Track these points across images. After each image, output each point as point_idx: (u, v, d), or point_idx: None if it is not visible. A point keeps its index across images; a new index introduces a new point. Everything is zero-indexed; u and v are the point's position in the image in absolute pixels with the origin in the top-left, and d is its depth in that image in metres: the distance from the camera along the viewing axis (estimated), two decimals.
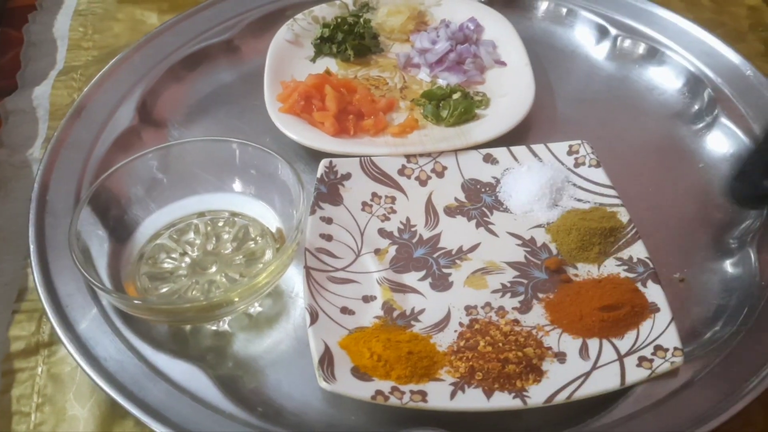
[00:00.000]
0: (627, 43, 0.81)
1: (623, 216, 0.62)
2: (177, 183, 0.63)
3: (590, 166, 0.66)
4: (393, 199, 0.65)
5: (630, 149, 0.71)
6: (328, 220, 0.62)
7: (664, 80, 0.78)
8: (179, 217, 0.62)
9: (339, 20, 0.81)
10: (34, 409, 0.55)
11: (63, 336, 0.55)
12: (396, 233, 0.63)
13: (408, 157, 0.68)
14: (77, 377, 0.56)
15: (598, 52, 0.82)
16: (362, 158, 0.67)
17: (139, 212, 0.61)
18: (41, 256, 0.60)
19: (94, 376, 0.53)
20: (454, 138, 0.70)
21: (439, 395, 0.51)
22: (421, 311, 0.57)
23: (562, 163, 0.67)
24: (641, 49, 0.80)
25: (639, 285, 0.57)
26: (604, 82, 0.79)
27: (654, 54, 0.79)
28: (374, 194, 0.65)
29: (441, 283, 0.59)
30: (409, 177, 0.67)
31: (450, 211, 0.65)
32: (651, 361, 0.52)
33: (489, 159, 0.68)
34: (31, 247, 0.61)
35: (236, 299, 0.54)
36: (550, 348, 0.54)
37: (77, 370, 0.56)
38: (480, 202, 0.65)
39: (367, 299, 0.58)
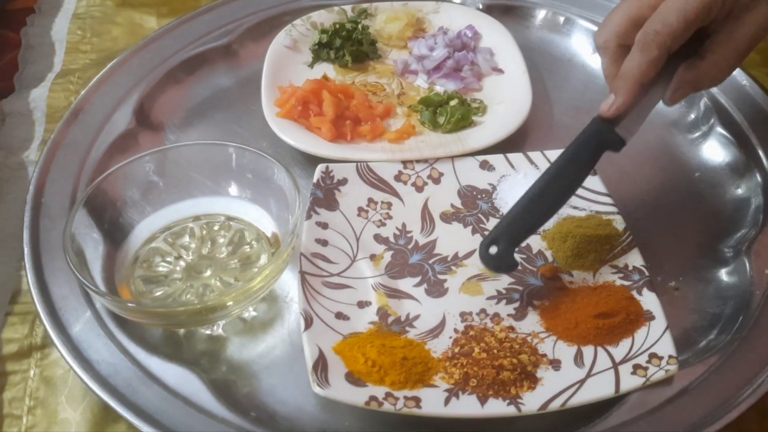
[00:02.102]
0: None
1: (619, 224, 0.62)
2: (173, 186, 0.63)
3: None
4: (389, 205, 0.65)
5: (626, 157, 0.70)
6: (324, 225, 0.62)
7: None
8: (175, 221, 0.62)
9: (337, 26, 0.81)
10: (25, 412, 0.54)
11: (56, 339, 0.55)
12: (392, 239, 0.63)
13: (404, 163, 0.68)
14: (70, 380, 0.56)
15: (594, 60, 0.82)
16: (359, 164, 0.67)
17: (134, 215, 0.61)
18: (35, 258, 0.60)
19: (87, 380, 0.53)
20: (450, 144, 0.70)
21: (433, 401, 0.51)
22: (416, 317, 0.57)
23: None
24: None
25: (634, 293, 0.57)
26: (601, 90, 0.78)
27: None
28: (370, 200, 0.65)
29: (436, 289, 0.59)
30: (405, 183, 0.67)
31: (446, 218, 0.65)
32: (646, 368, 0.52)
33: (485, 166, 0.68)
34: (26, 250, 0.60)
35: (230, 303, 0.54)
36: (544, 355, 0.54)
37: (70, 373, 0.56)
38: (476, 208, 0.65)
39: (362, 305, 0.58)
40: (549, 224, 0.63)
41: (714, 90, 0.74)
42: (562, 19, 0.85)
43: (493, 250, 0.56)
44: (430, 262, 0.61)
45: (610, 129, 0.57)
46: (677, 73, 0.56)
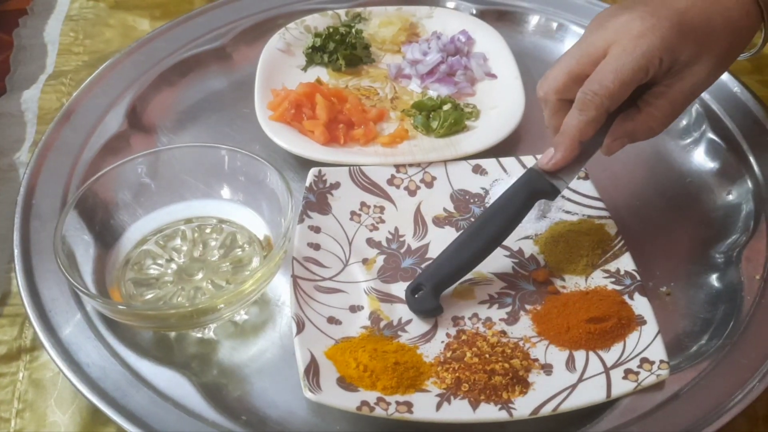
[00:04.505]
0: None
1: (611, 228, 0.62)
2: (165, 189, 0.62)
3: (579, 178, 0.66)
4: (382, 209, 0.65)
5: (618, 162, 0.71)
6: (316, 229, 0.62)
7: None
8: (166, 223, 0.62)
9: (331, 30, 0.81)
10: (14, 415, 0.54)
11: (45, 341, 0.55)
12: (384, 243, 0.63)
13: (397, 167, 0.68)
14: (59, 383, 0.56)
15: None
16: (351, 167, 0.67)
17: (125, 217, 0.61)
18: (25, 260, 0.60)
19: (76, 382, 0.52)
20: (443, 149, 0.70)
21: (424, 406, 0.50)
22: (408, 321, 0.57)
23: None
24: None
25: (626, 297, 0.57)
26: None
27: None
28: (363, 204, 0.65)
29: None
30: (398, 187, 0.67)
31: (439, 222, 0.65)
32: (637, 373, 0.52)
33: (478, 170, 0.68)
34: (16, 251, 0.60)
35: (222, 306, 0.53)
36: (536, 360, 0.54)
37: (59, 375, 0.56)
38: (469, 212, 0.65)
39: (354, 309, 0.58)
40: (542, 228, 0.63)
41: (705, 97, 0.74)
42: (555, 24, 0.86)
43: (418, 294, 0.57)
44: (423, 266, 0.61)
45: (544, 179, 0.58)
46: (615, 123, 0.57)
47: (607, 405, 0.51)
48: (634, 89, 0.55)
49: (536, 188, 0.58)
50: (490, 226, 0.58)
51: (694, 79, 0.55)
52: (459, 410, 0.50)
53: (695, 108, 0.74)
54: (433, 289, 0.56)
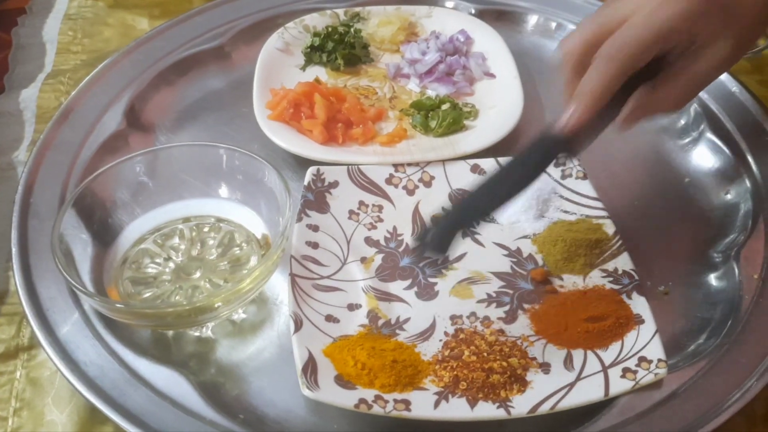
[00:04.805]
0: None
1: (609, 228, 0.62)
2: (163, 187, 0.62)
3: (577, 178, 0.66)
4: (380, 208, 0.65)
5: (617, 162, 0.71)
6: (315, 228, 0.62)
7: None
8: (164, 222, 0.62)
9: (330, 29, 0.81)
10: (11, 414, 0.54)
11: (43, 340, 0.55)
12: (382, 242, 0.63)
13: (396, 166, 0.68)
14: (57, 382, 0.55)
15: None
16: (350, 167, 0.67)
17: (123, 216, 0.61)
18: (23, 258, 0.60)
19: (74, 381, 0.52)
20: (442, 148, 0.70)
21: (422, 404, 0.50)
22: (407, 320, 0.57)
23: (549, 175, 0.67)
24: None
25: (624, 297, 0.57)
26: None
27: None
28: (361, 203, 0.65)
29: (426, 293, 0.59)
30: (396, 186, 0.67)
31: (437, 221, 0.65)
32: (635, 372, 0.52)
33: (477, 169, 0.68)
34: (13, 250, 0.60)
35: (219, 305, 0.53)
36: (534, 358, 0.54)
37: (57, 374, 0.56)
38: None
39: (353, 307, 0.58)
40: (539, 228, 0.63)
41: (704, 96, 0.74)
42: (554, 24, 0.86)
43: (428, 234, 0.54)
44: (421, 265, 0.61)
45: (560, 139, 0.55)
46: (631, 98, 0.56)
47: (605, 404, 0.51)
48: (652, 66, 0.54)
49: (554, 140, 0.54)
50: (508, 175, 0.55)
51: (711, 60, 0.54)
52: (457, 408, 0.50)
53: (694, 107, 0.74)
54: (442, 230, 0.54)
